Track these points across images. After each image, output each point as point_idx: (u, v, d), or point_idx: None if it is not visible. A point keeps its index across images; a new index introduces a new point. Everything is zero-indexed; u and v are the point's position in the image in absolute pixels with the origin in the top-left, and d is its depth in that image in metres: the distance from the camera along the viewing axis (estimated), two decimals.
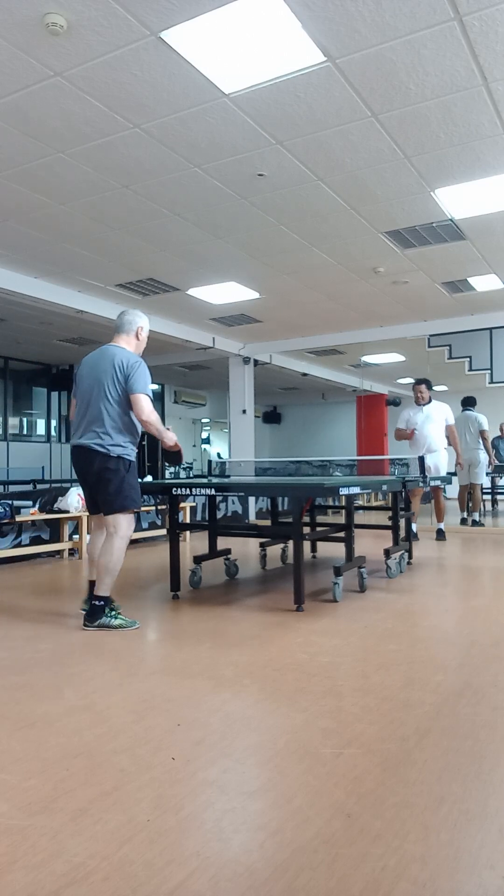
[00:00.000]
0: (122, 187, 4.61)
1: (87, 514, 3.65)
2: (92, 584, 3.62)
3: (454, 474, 9.21)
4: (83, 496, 3.61)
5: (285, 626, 3.37)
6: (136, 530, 7.09)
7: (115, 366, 3.37)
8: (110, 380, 3.37)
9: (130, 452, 3.43)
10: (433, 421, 6.85)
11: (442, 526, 7.17)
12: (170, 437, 3.53)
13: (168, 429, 3.55)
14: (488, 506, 10.98)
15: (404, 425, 6.96)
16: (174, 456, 3.68)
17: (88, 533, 6.13)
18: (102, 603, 3.34)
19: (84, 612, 3.52)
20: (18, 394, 12.24)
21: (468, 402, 8.72)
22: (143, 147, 4.03)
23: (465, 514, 8.81)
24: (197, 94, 3.46)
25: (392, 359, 11.23)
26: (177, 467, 4.04)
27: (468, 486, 8.79)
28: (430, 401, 6.96)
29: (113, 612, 3.37)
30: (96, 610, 3.34)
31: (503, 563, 5.43)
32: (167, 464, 4.04)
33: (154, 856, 1.38)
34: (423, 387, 6.99)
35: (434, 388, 7.23)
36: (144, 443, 14.61)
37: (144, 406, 3.34)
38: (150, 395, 3.39)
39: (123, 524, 3.38)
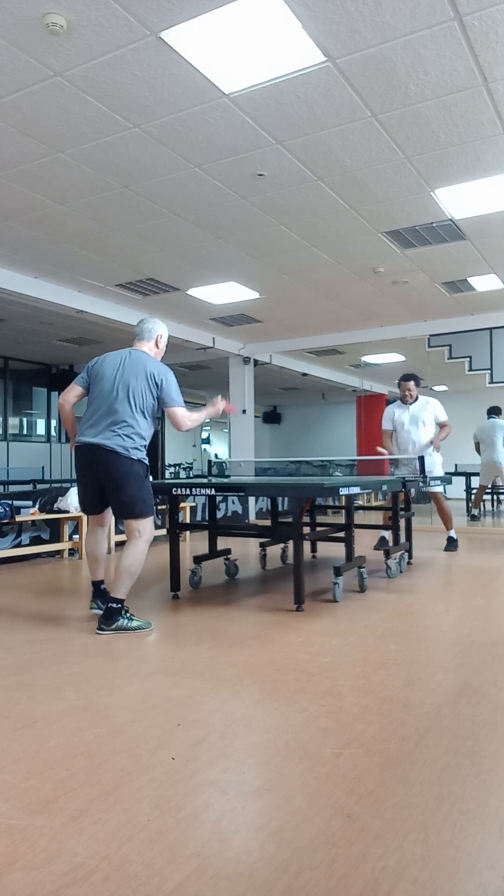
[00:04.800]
0: (122, 187, 4.61)
1: (88, 514, 3.63)
2: (95, 583, 3.62)
3: (454, 474, 9.27)
4: (80, 495, 3.54)
5: (285, 626, 3.37)
6: None
7: (148, 374, 3.38)
8: (143, 387, 3.37)
9: (145, 456, 3.42)
10: (420, 422, 6.11)
11: (453, 533, 6.33)
12: (214, 410, 3.70)
13: (210, 404, 3.72)
14: (489, 506, 11.01)
15: (389, 425, 6.26)
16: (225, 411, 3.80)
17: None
18: (119, 605, 3.29)
19: (97, 612, 3.52)
20: (18, 394, 12.24)
21: (494, 411, 8.86)
22: (143, 147, 4.03)
23: (476, 512, 8.93)
24: (197, 94, 3.46)
25: (392, 359, 11.23)
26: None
27: (485, 487, 8.95)
28: (416, 399, 6.20)
29: (129, 614, 3.33)
30: (112, 612, 3.28)
31: (503, 564, 5.43)
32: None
33: (154, 856, 1.38)
34: (410, 383, 6.19)
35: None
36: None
37: (183, 418, 3.43)
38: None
39: (147, 528, 3.37)
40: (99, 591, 3.61)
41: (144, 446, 3.42)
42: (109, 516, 3.60)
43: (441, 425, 6.17)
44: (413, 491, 5.35)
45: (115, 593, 3.29)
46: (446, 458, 6.60)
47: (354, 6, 2.83)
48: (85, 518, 6.08)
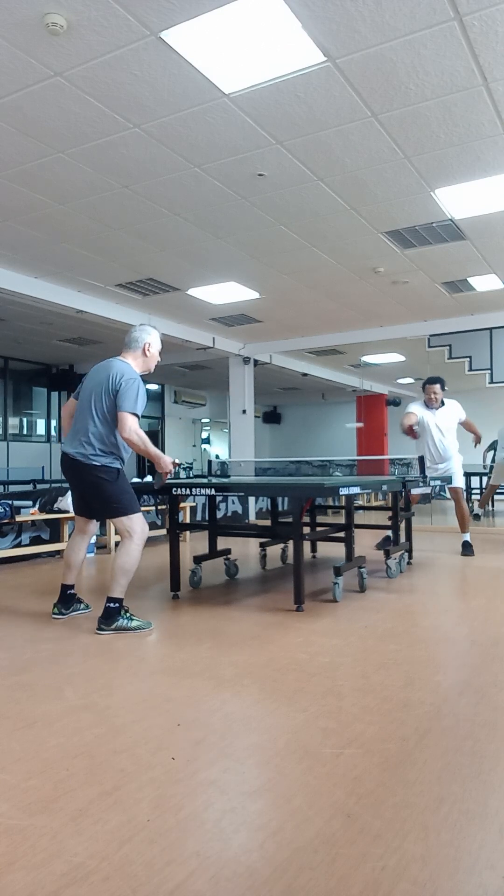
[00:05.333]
0: (122, 187, 4.61)
1: (78, 515, 3.68)
2: (64, 587, 3.63)
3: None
4: (73, 498, 3.65)
5: (285, 626, 3.37)
6: None
7: (110, 378, 3.35)
8: (103, 392, 3.35)
9: (113, 461, 3.38)
10: (449, 429, 5.87)
11: (468, 537, 6.00)
12: (165, 463, 3.45)
13: (174, 462, 3.51)
14: (489, 506, 11.01)
15: (414, 419, 5.84)
16: (159, 478, 3.59)
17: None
18: (117, 605, 3.29)
19: (59, 618, 3.56)
20: (18, 394, 12.24)
21: None
22: (143, 147, 4.03)
23: (480, 512, 8.95)
24: (197, 94, 3.46)
25: (392, 359, 11.23)
26: (155, 482, 3.87)
27: (496, 487, 8.95)
28: (443, 404, 5.89)
29: (128, 614, 3.33)
30: (111, 612, 3.28)
31: (503, 564, 5.43)
32: (150, 477, 4.00)
33: (154, 856, 1.38)
34: (436, 387, 5.84)
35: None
36: None
37: (127, 424, 3.25)
38: (138, 414, 3.30)
39: (137, 526, 3.36)
40: (64, 596, 3.62)
41: (113, 454, 3.38)
42: (94, 525, 3.70)
43: (465, 424, 5.99)
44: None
45: (111, 593, 3.30)
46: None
47: (354, 6, 2.83)
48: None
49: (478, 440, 6.11)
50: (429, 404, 5.91)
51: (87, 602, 3.80)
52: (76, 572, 3.63)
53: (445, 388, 5.91)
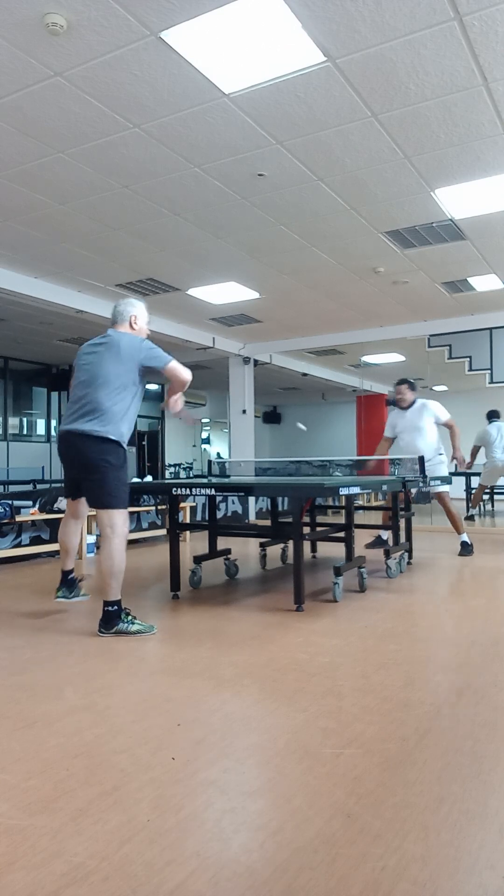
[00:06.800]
0: (122, 187, 4.61)
1: (68, 498, 3.62)
2: (64, 573, 3.65)
3: (454, 474, 9.28)
4: (65, 480, 3.57)
5: (285, 626, 3.37)
6: (136, 530, 7.13)
7: (121, 351, 3.29)
8: (113, 365, 3.28)
9: (126, 438, 3.33)
10: (417, 427, 5.87)
11: (465, 537, 5.97)
12: (186, 414, 3.55)
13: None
14: (488, 506, 11.01)
15: (390, 432, 6.08)
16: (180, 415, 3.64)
17: (89, 533, 6.15)
18: (116, 608, 3.23)
19: (63, 601, 3.61)
20: (18, 394, 12.24)
21: (495, 415, 8.86)
22: (143, 147, 4.03)
23: (474, 512, 8.96)
24: (197, 94, 3.46)
25: (392, 359, 11.23)
26: (186, 421, 3.97)
27: (485, 488, 8.97)
28: (413, 402, 5.96)
29: (129, 617, 3.26)
30: (111, 616, 3.22)
31: (503, 564, 5.43)
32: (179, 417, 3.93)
33: (154, 856, 1.38)
34: (402, 387, 5.97)
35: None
36: (144, 443, 14.63)
37: (180, 367, 3.34)
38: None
39: (119, 522, 3.25)
40: (66, 580, 3.65)
41: (128, 429, 3.33)
42: (84, 508, 3.59)
43: (446, 426, 5.92)
44: (413, 491, 5.32)
45: (105, 597, 3.23)
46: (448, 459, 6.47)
47: (354, 6, 2.83)
48: (85, 519, 6.08)
49: (456, 458, 5.92)
50: (399, 405, 6.03)
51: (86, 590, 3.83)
52: (74, 556, 3.64)
53: (415, 388, 6.02)
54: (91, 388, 3.30)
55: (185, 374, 3.36)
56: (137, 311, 3.52)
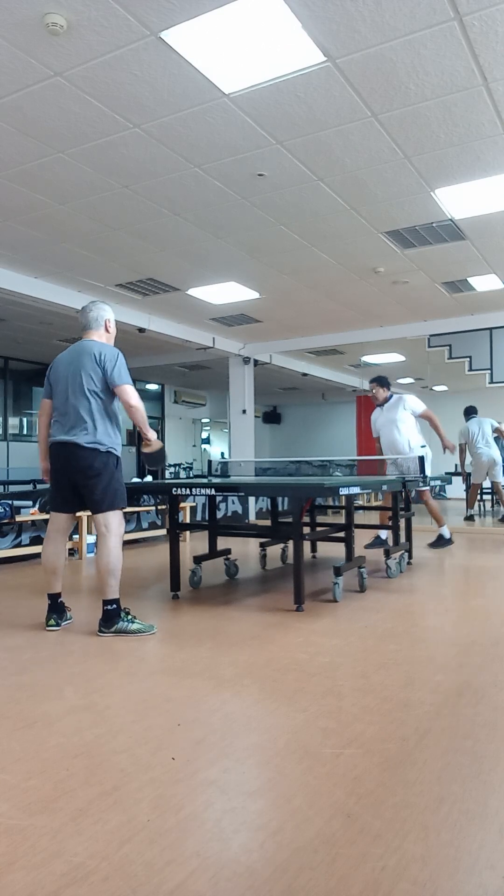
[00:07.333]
0: (122, 187, 4.61)
1: (54, 512, 3.47)
2: (52, 596, 3.41)
3: (453, 474, 9.29)
4: (54, 494, 3.47)
5: (285, 626, 3.37)
6: (136, 530, 7.13)
7: (95, 358, 3.31)
8: (91, 373, 3.30)
9: (117, 446, 3.37)
10: (392, 420, 5.99)
11: (444, 531, 6.24)
12: (152, 433, 3.45)
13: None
14: (488, 506, 11.01)
15: (375, 432, 6.23)
16: (153, 457, 3.54)
17: (89, 533, 6.16)
18: (115, 607, 3.24)
19: (54, 629, 3.35)
20: (18, 394, 12.23)
21: (472, 411, 8.88)
22: (143, 147, 4.03)
23: (473, 512, 8.96)
24: (197, 94, 3.46)
25: (392, 359, 11.23)
26: (158, 468, 3.84)
27: (479, 485, 8.96)
28: (389, 399, 6.11)
29: (129, 616, 3.28)
30: (111, 615, 3.24)
31: (503, 563, 5.43)
32: (147, 465, 3.91)
33: (154, 856, 1.38)
34: (373, 384, 6.18)
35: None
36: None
37: (132, 393, 3.30)
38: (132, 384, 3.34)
39: (114, 522, 3.30)
40: (55, 606, 3.42)
41: (116, 436, 3.35)
42: (72, 522, 3.50)
43: (425, 417, 6.01)
44: (413, 492, 5.33)
45: (105, 596, 3.25)
46: (447, 460, 6.51)
47: (354, 6, 2.83)
48: (85, 518, 6.09)
49: (446, 446, 5.98)
50: (375, 403, 6.24)
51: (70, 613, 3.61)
52: (61, 578, 3.42)
53: (387, 384, 6.20)
54: (76, 400, 3.31)
55: (134, 400, 3.30)
56: (110, 315, 3.54)
